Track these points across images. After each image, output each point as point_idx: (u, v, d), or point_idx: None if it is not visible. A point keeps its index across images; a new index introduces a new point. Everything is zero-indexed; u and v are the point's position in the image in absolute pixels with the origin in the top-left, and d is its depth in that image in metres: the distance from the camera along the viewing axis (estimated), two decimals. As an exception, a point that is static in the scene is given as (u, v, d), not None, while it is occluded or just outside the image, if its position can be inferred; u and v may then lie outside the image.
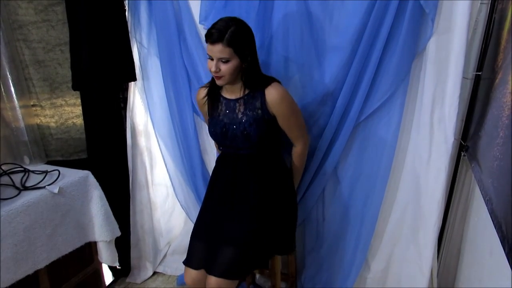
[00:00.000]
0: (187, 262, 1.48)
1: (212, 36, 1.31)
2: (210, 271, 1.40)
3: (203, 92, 1.54)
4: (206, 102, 1.53)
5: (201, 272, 1.44)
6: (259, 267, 1.54)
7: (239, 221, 1.46)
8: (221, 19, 1.36)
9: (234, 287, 1.40)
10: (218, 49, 1.31)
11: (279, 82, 1.47)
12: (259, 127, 1.42)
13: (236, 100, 1.47)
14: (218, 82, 1.40)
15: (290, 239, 1.62)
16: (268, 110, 1.43)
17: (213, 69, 1.34)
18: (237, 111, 1.47)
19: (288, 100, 1.44)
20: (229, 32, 1.30)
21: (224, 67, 1.34)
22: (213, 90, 1.51)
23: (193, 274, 1.45)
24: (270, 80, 1.44)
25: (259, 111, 1.43)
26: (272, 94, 1.40)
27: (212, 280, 1.38)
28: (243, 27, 1.36)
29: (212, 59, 1.35)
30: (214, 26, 1.33)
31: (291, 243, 1.63)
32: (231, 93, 1.49)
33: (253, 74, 1.42)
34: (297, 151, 1.56)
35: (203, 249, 1.46)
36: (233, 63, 1.35)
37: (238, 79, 1.43)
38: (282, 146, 1.62)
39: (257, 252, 1.44)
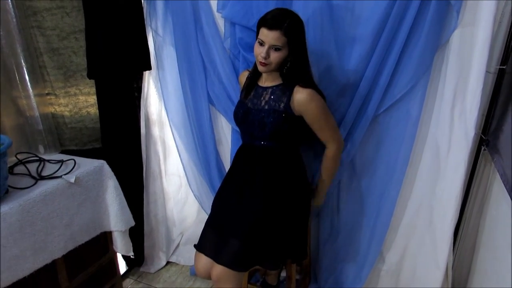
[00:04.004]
0: (199, 247, 1.49)
1: (271, 22, 1.30)
2: (216, 260, 1.41)
3: (245, 76, 1.57)
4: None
5: (212, 260, 1.44)
6: (268, 266, 1.52)
7: (246, 214, 1.46)
8: (278, 8, 1.36)
9: (239, 278, 1.42)
10: (274, 36, 1.30)
11: (317, 90, 1.44)
12: (276, 119, 1.41)
13: (265, 88, 1.47)
14: (262, 69, 1.38)
15: (302, 243, 1.60)
16: (291, 108, 1.41)
17: (263, 54, 1.33)
18: (262, 98, 1.46)
19: (317, 100, 1.41)
20: (288, 22, 1.30)
21: (274, 55, 1.34)
22: (253, 77, 1.51)
23: (203, 259, 1.46)
24: (309, 84, 1.41)
25: (282, 105, 1.41)
26: (300, 93, 1.39)
27: (218, 269, 1.39)
28: (300, 22, 1.36)
29: (261, 45, 1.33)
30: (272, 13, 1.33)
31: (303, 248, 1.61)
32: (264, 81, 1.49)
33: (294, 69, 1.39)
34: (329, 153, 1.52)
35: (214, 237, 1.47)
36: (283, 52, 1.34)
37: (276, 70, 1.42)
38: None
39: (263, 247, 1.43)
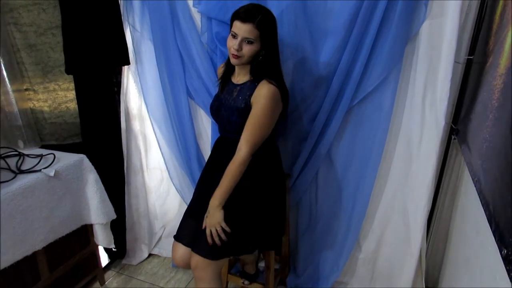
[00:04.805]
0: (177, 237, 1.53)
1: (244, 15, 1.33)
2: (193, 249, 1.44)
3: (221, 70, 1.59)
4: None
5: (189, 250, 1.47)
6: (243, 253, 1.56)
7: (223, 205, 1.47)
8: (251, 4, 1.40)
9: (217, 266, 1.45)
10: (247, 29, 1.33)
11: (284, 90, 1.43)
12: (239, 117, 1.44)
13: (236, 85, 1.49)
14: (234, 61, 1.41)
15: (278, 232, 1.61)
16: (251, 102, 1.41)
17: (235, 47, 1.35)
18: (231, 95, 1.49)
19: (270, 100, 1.36)
20: (261, 16, 1.34)
21: (246, 48, 1.36)
22: (227, 72, 1.54)
23: (181, 249, 1.49)
24: (277, 81, 1.41)
25: (243, 103, 1.43)
26: (262, 86, 1.39)
27: (196, 257, 1.42)
28: (272, 17, 1.40)
29: (234, 37, 1.36)
30: (245, 7, 1.37)
31: (277, 238, 1.62)
32: (236, 77, 1.51)
33: (264, 64, 1.41)
34: (237, 158, 1.38)
35: (192, 227, 1.49)
36: (256, 46, 1.37)
37: (247, 65, 1.44)
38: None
39: (239, 237, 1.45)
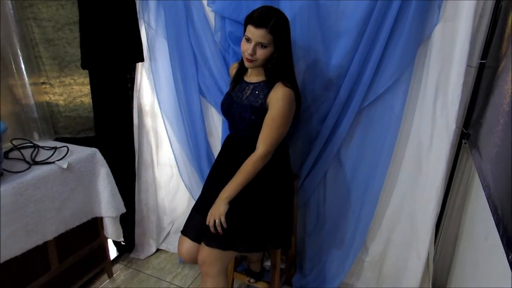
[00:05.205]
0: (184, 232, 1.56)
1: (258, 20, 1.35)
2: (198, 241, 1.48)
3: (235, 68, 1.61)
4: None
5: (195, 245, 1.50)
6: (249, 249, 1.56)
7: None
8: (265, 6, 1.41)
9: (223, 263, 1.47)
10: (260, 34, 1.35)
11: (297, 92, 1.46)
12: (252, 115, 1.46)
13: (249, 83, 1.52)
14: (248, 65, 1.43)
15: (283, 230, 1.61)
16: (267, 103, 1.44)
17: (249, 51, 1.38)
18: (244, 92, 1.51)
19: (287, 103, 1.40)
20: (274, 20, 1.35)
21: (260, 52, 1.39)
22: (240, 71, 1.57)
23: (187, 244, 1.52)
24: (291, 83, 1.44)
25: (259, 101, 1.46)
26: (278, 89, 1.42)
27: (202, 254, 1.45)
28: (286, 20, 1.41)
29: (248, 41, 1.38)
30: (258, 11, 1.38)
31: (285, 236, 1.62)
32: (249, 76, 1.54)
33: (278, 66, 1.43)
34: (254, 156, 1.43)
35: (199, 223, 1.51)
36: (269, 50, 1.39)
37: (262, 65, 1.46)
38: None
39: (243, 229, 1.47)
